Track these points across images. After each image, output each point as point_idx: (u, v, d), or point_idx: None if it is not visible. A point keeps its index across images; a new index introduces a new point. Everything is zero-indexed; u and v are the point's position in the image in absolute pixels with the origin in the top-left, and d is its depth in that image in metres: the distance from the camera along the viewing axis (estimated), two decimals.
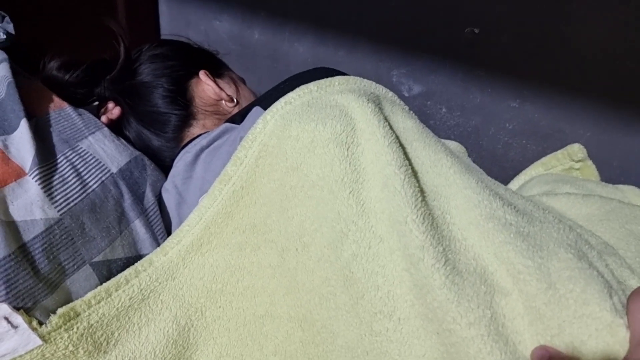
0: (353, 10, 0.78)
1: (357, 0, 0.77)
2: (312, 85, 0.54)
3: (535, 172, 0.70)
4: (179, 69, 0.70)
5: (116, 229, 0.54)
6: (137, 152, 0.64)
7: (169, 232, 0.62)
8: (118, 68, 0.69)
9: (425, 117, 0.77)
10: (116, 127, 0.68)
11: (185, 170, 0.62)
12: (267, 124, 0.52)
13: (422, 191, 0.46)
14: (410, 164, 0.48)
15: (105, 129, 0.62)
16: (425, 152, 0.49)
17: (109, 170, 0.57)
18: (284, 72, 0.91)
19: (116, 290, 0.50)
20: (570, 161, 0.67)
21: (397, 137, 0.49)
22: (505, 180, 0.71)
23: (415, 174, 0.47)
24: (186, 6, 1.01)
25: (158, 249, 0.54)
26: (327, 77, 0.58)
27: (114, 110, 0.69)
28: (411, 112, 0.60)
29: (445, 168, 0.47)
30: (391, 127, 0.50)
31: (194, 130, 0.69)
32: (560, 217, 0.51)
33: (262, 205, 0.52)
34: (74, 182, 0.52)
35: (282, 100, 0.53)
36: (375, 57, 0.79)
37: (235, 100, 0.72)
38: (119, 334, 0.49)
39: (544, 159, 0.69)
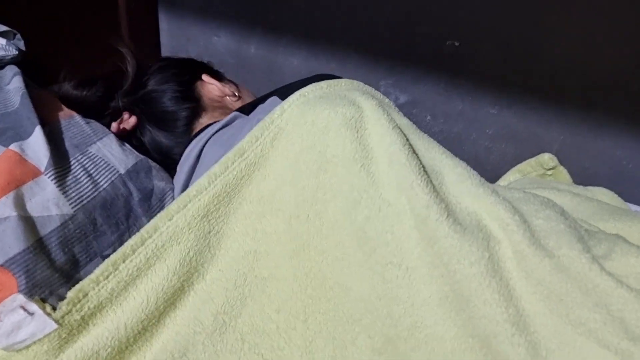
0: (343, 25, 0.84)
1: (346, 17, 0.83)
2: (323, 83, 0.61)
3: (513, 177, 0.75)
4: (184, 74, 0.77)
5: (125, 225, 0.59)
6: (142, 156, 0.68)
7: None
8: (129, 82, 0.75)
9: None
10: (128, 136, 0.73)
11: (197, 156, 0.67)
12: (284, 111, 0.57)
13: (422, 165, 0.52)
14: (409, 143, 0.54)
15: (112, 135, 0.67)
16: (421, 141, 0.56)
17: (118, 171, 0.61)
18: (280, 83, 0.95)
19: (123, 262, 0.51)
20: (542, 169, 0.72)
21: (397, 124, 0.55)
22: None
23: (413, 152, 0.53)
24: (186, 23, 1.06)
25: (163, 212, 0.54)
26: (332, 79, 0.64)
27: (130, 120, 0.74)
28: (404, 116, 0.65)
29: (438, 154, 0.54)
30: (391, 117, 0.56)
31: (203, 120, 0.76)
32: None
33: (272, 180, 0.55)
34: (86, 182, 0.57)
35: (297, 93, 0.59)
36: (365, 68, 0.84)
37: (237, 95, 0.78)
38: (127, 302, 0.51)
39: (520, 166, 0.74)
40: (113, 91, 0.75)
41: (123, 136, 0.70)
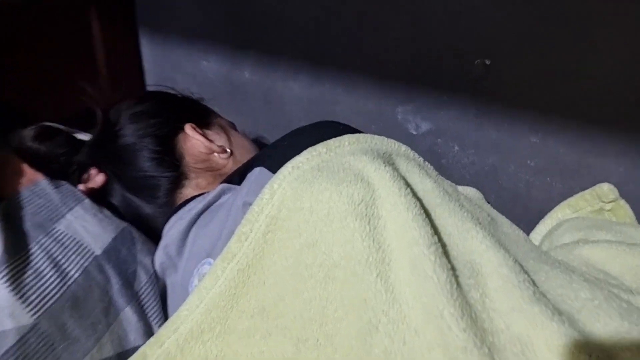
0: (350, 44, 0.72)
1: (354, 34, 0.71)
2: (321, 147, 0.49)
3: (562, 214, 0.63)
4: (164, 125, 0.64)
5: (103, 323, 0.48)
6: (124, 224, 0.57)
7: (166, 314, 0.56)
8: (97, 133, 0.63)
9: (437, 157, 0.71)
10: (99, 196, 0.62)
11: (180, 239, 0.56)
12: (274, 193, 0.47)
13: (453, 269, 0.40)
14: (438, 236, 0.42)
15: (86, 200, 0.56)
16: (452, 220, 0.44)
17: (92, 253, 0.50)
18: (279, 112, 0.85)
19: None
20: (600, 202, 0.61)
21: (420, 204, 0.44)
22: (530, 222, 0.65)
23: (444, 247, 0.42)
24: (170, 48, 0.95)
25: (152, 339, 0.47)
26: (332, 132, 0.53)
27: (97, 178, 0.62)
28: (427, 164, 0.54)
29: (476, 242, 0.43)
30: (412, 192, 0.45)
31: (187, 191, 0.63)
32: (606, 282, 0.45)
33: (273, 286, 0.46)
34: (51, 275, 0.46)
35: (289, 165, 0.48)
36: (377, 94, 0.73)
37: (228, 151, 0.65)
38: None
39: (570, 200, 0.63)
40: (78, 142, 0.63)
41: (93, 196, 0.58)
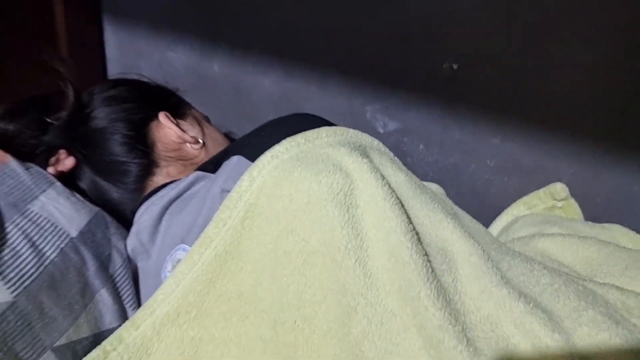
0: (323, 42, 0.75)
1: (327, 31, 0.73)
2: (299, 138, 0.51)
3: (517, 211, 0.68)
4: (137, 111, 0.64)
5: (80, 304, 0.47)
6: (97, 208, 0.57)
7: (139, 298, 0.55)
8: (68, 113, 0.61)
9: (402, 154, 0.74)
10: (68, 179, 0.61)
11: (152, 225, 0.56)
12: (253, 181, 0.48)
13: (427, 255, 0.43)
14: (412, 225, 0.45)
15: (58, 183, 0.55)
16: (424, 211, 0.47)
17: (68, 235, 0.50)
18: (248, 107, 0.86)
19: None
20: (552, 200, 0.66)
21: (396, 196, 0.46)
22: (487, 217, 0.70)
23: (418, 235, 0.44)
24: (135, 35, 0.93)
25: (128, 322, 0.47)
26: (309, 124, 0.54)
27: (66, 161, 0.61)
28: (397, 159, 0.57)
29: (447, 232, 0.46)
30: (388, 184, 0.47)
31: (157, 179, 0.63)
32: (568, 274, 0.50)
33: (251, 272, 0.47)
34: (29, 255, 0.45)
35: (268, 154, 0.49)
36: (348, 92, 0.75)
37: (200, 142, 0.66)
38: None
39: (525, 198, 0.68)
40: (48, 124, 0.62)
41: (62, 180, 0.57)
